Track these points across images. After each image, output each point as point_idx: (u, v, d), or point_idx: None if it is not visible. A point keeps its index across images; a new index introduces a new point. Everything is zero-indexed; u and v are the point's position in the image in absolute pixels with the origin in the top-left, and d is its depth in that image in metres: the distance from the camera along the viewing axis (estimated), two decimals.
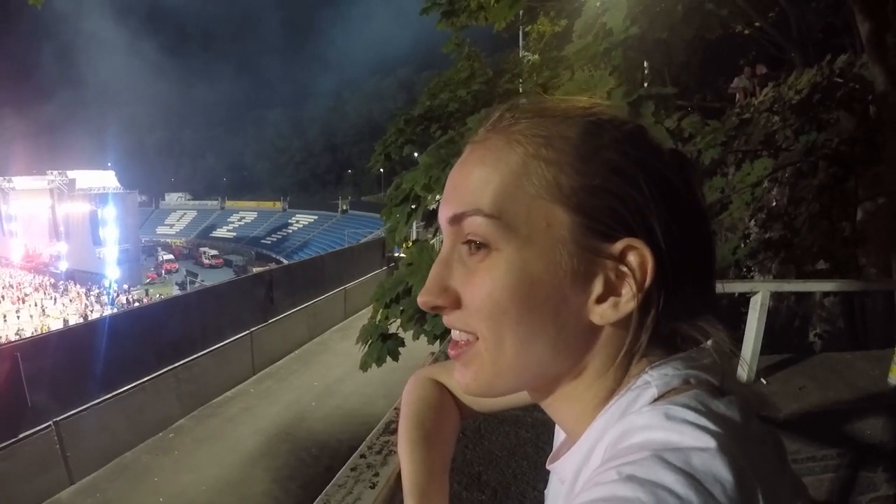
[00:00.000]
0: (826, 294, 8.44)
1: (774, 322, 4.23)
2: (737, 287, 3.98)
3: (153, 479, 12.47)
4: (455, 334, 0.63)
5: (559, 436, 0.77)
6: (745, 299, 4.06)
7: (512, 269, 0.56)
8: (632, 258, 0.55)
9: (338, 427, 14.32)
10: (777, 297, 5.89)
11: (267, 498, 11.61)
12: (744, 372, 3.68)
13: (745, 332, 3.72)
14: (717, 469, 0.43)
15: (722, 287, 0.65)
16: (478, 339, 0.60)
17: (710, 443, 0.45)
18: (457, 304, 0.60)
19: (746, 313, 3.76)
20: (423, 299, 0.61)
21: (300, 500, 11.23)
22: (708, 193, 7.05)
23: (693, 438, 0.46)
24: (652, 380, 0.55)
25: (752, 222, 8.41)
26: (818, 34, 11.50)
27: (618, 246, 0.55)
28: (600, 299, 0.56)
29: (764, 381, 3.75)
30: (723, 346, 0.60)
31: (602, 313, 0.56)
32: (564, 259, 0.55)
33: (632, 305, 0.55)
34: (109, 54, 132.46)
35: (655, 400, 0.54)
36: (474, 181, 0.59)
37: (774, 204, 8.78)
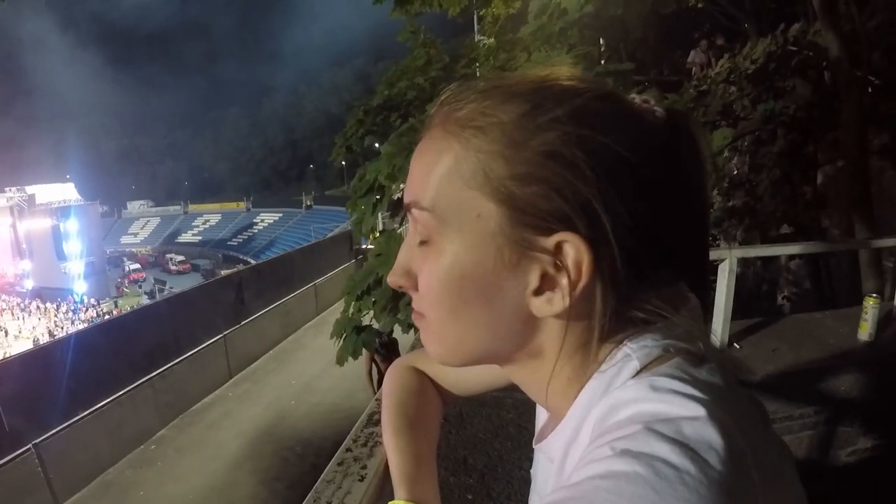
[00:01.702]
0: (791, 257, 8.62)
1: (742, 288, 4.31)
2: None
3: (139, 492, 12.29)
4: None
5: (542, 414, 0.77)
6: (712, 267, 4.12)
7: (443, 261, 0.56)
8: (567, 253, 0.52)
9: (320, 423, 14.21)
10: (743, 263, 5.99)
11: (255, 501, 11.52)
12: (716, 338, 3.75)
13: (716, 299, 3.78)
14: (710, 436, 0.43)
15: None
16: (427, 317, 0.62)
17: (700, 411, 0.45)
18: (416, 286, 0.61)
19: (714, 281, 3.83)
20: (390, 279, 0.63)
21: (288, 499, 11.17)
22: None
23: (681, 407, 0.46)
24: (632, 352, 0.54)
25: (715, 191, 8.52)
26: (771, 4, 11.65)
27: (552, 240, 0.52)
28: (537, 292, 0.54)
29: (737, 346, 3.83)
30: (695, 312, 0.60)
31: (539, 307, 0.54)
32: (494, 252, 0.54)
33: (565, 303, 0.53)
34: (59, 66, 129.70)
35: (638, 372, 0.53)
36: (417, 174, 0.59)
37: (736, 172, 8.91)
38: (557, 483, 0.58)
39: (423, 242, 0.59)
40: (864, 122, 6.38)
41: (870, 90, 7.07)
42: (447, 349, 0.62)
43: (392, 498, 0.77)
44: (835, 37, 6.12)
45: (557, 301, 0.53)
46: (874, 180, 6.75)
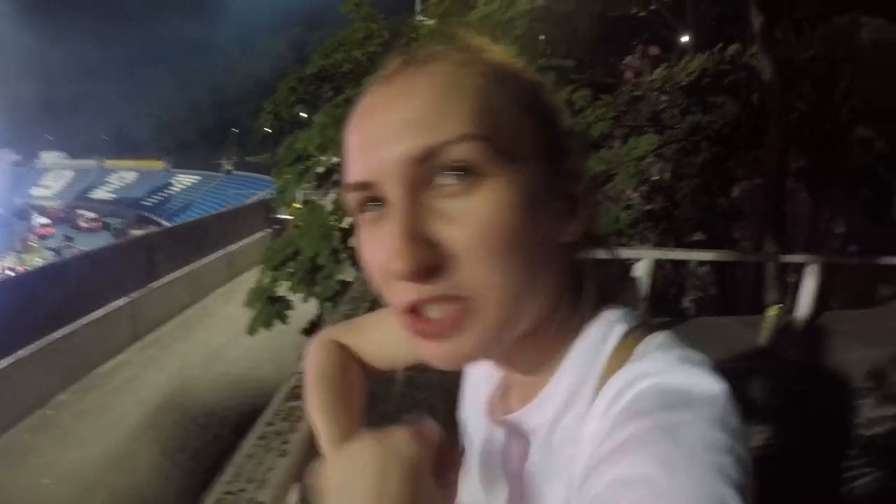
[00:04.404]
0: (701, 263, 8.99)
1: (651, 289, 4.48)
2: (625, 254, 4.16)
3: (37, 459, 11.74)
4: (433, 310, 0.52)
5: (480, 388, 0.76)
6: (623, 266, 4.25)
7: (517, 189, 0.50)
8: (578, 172, 0.57)
9: (225, 394, 13.88)
10: (655, 265, 6.25)
11: (156, 471, 11.19)
12: None
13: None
14: (732, 409, 0.47)
15: (594, 254, 0.66)
16: (469, 298, 0.51)
17: (722, 385, 0.48)
18: (445, 259, 0.50)
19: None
20: (408, 263, 0.49)
21: (190, 470, 10.91)
22: (595, 165, 7.28)
23: (705, 381, 0.49)
24: (613, 318, 0.57)
25: (636, 194, 8.77)
26: (710, 22, 12.08)
27: (568, 163, 0.57)
28: (568, 216, 0.56)
29: None
30: (634, 301, 0.64)
31: (574, 228, 0.56)
32: (547, 177, 0.53)
33: (592, 209, 0.58)
34: None
35: (626, 335, 0.56)
36: (439, 107, 0.51)
37: (657, 178, 9.21)
38: (547, 455, 0.58)
39: (461, 183, 0.50)
40: (786, 144, 6.71)
41: (796, 116, 7.43)
42: (500, 327, 0.52)
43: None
44: (770, 61, 6.40)
45: (583, 213, 0.57)
46: (788, 200, 7.12)
